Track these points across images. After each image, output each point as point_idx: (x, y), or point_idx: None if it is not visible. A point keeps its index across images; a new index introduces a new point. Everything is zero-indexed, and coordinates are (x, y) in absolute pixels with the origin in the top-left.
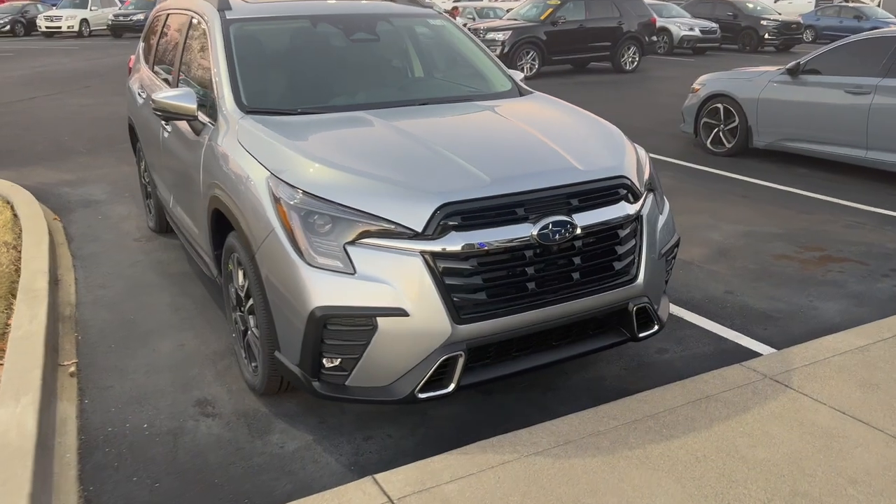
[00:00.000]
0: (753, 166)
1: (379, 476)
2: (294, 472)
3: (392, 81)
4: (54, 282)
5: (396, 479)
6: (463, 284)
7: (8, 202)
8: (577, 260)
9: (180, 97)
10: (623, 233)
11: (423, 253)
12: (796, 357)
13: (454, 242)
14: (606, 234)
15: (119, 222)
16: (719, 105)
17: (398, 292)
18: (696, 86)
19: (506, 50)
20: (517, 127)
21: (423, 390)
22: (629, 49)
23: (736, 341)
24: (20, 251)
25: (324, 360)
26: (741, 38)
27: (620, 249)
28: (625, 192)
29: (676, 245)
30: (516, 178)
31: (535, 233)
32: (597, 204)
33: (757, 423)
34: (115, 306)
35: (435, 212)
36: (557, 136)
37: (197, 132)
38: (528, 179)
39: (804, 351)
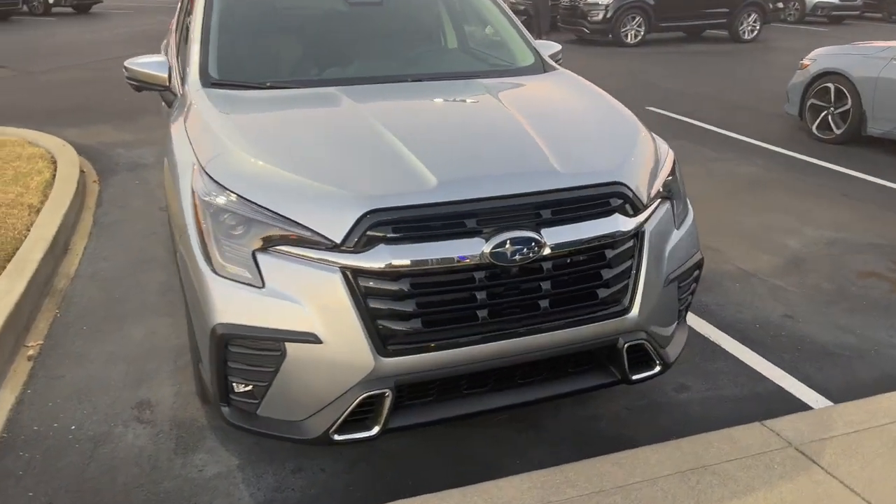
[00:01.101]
0: (864, 158)
1: None
2: None
3: (389, 53)
4: (63, 250)
5: None
6: (391, 310)
7: (53, 162)
8: (545, 285)
9: (151, 65)
10: (613, 253)
11: (343, 268)
12: (840, 419)
13: (380, 258)
14: (588, 255)
15: (154, 188)
16: (830, 84)
17: (310, 314)
18: (805, 61)
19: (608, 15)
20: (506, 115)
21: (340, 431)
22: (749, 16)
23: (779, 384)
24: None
25: (232, 384)
26: (887, 5)
27: (608, 273)
28: (620, 202)
29: (698, 267)
30: (472, 180)
31: (487, 251)
32: (578, 217)
33: None
34: (109, 282)
35: (359, 220)
36: (551, 129)
37: (169, 104)
38: (488, 183)
39: (854, 411)
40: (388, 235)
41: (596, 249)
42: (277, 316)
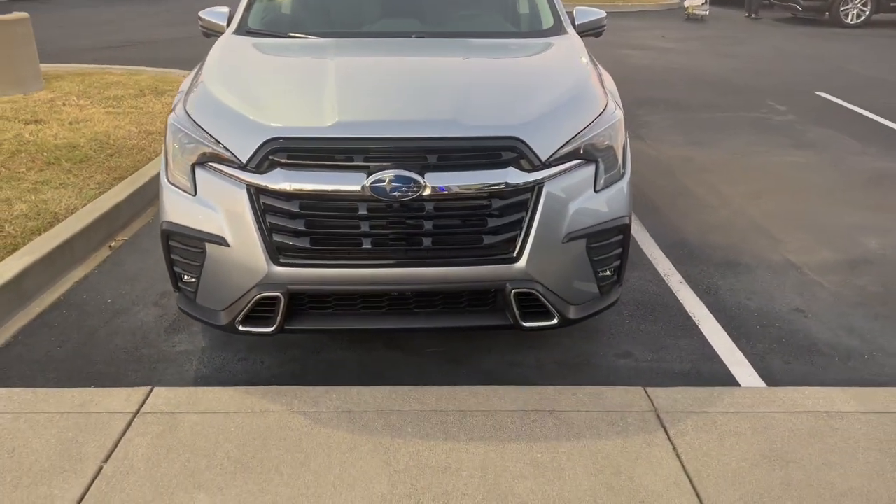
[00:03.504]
0: None
1: (158, 389)
2: (154, 370)
3: (421, 13)
4: None
5: (166, 395)
6: (284, 226)
7: None
8: (427, 224)
9: (215, 14)
10: (501, 203)
11: (248, 185)
12: (728, 399)
13: (276, 180)
14: (473, 202)
15: None
16: None
17: (223, 221)
18: None
19: None
20: (455, 70)
21: (243, 323)
22: None
23: (730, 369)
24: None
25: (180, 275)
26: None
27: (494, 222)
28: (514, 156)
29: (620, 232)
30: (369, 122)
31: (367, 184)
32: (466, 165)
33: (565, 457)
34: None
35: (261, 145)
36: (485, 85)
37: None
38: (383, 126)
39: (752, 395)
40: (284, 161)
41: (481, 198)
42: (201, 220)
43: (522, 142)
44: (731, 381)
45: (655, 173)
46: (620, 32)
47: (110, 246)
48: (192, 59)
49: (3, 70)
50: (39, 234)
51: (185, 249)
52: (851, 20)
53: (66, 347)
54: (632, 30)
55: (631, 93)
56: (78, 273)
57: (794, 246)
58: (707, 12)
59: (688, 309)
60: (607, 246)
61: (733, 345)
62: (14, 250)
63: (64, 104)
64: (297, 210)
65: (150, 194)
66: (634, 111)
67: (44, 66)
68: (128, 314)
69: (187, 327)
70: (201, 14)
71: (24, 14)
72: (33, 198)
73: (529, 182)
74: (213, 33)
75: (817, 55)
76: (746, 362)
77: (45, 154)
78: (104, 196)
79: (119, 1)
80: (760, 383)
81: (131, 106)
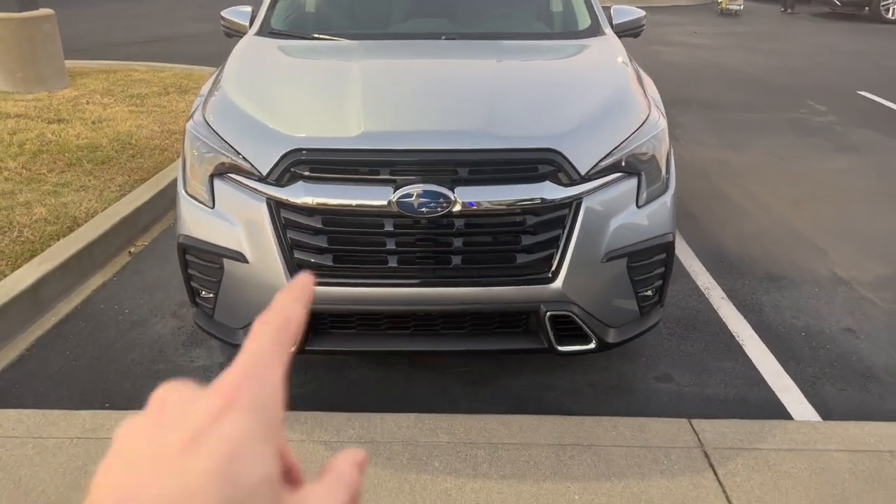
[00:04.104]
0: None
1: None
2: None
3: (440, 10)
4: None
5: None
6: (306, 242)
7: None
8: (457, 242)
9: (237, 14)
10: (536, 220)
11: (268, 199)
12: (781, 434)
13: (298, 194)
14: (506, 219)
15: None
16: None
17: (241, 236)
18: None
19: None
20: (487, 75)
21: None
22: None
23: (778, 395)
24: None
25: (198, 290)
26: None
27: (529, 239)
28: (551, 169)
29: (663, 250)
30: (395, 133)
31: (394, 199)
32: (499, 179)
33: (605, 499)
34: None
35: (283, 156)
36: (519, 91)
37: None
38: (410, 137)
39: (807, 430)
40: (307, 174)
41: (515, 214)
42: (219, 234)
43: (560, 154)
44: (780, 409)
45: (690, 177)
46: (652, 28)
47: (130, 252)
48: (219, 54)
49: (28, 68)
50: (58, 239)
51: (203, 265)
52: (893, 15)
53: (80, 362)
54: (664, 25)
55: (663, 91)
56: (96, 280)
57: (841, 258)
58: (741, 7)
59: (731, 328)
60: (649, 265)
61: (781, 368)
62: (32, 256)
63: (87, 102)
64: (320, 226)
65: (171, 197)
66: (667, 111)
67: (69, 63)
68: (145, 325)
69: (205, 341)
70: (223, 13)
71: (49, 11)
72: (53, 201)
73: (567, 197)
74: (235, 33)
75: (858, 52)
76: (796, 388)
77: (66, 155)
78: (125, 199)
79: None
80: (812, 412)
81: (155, 104)
